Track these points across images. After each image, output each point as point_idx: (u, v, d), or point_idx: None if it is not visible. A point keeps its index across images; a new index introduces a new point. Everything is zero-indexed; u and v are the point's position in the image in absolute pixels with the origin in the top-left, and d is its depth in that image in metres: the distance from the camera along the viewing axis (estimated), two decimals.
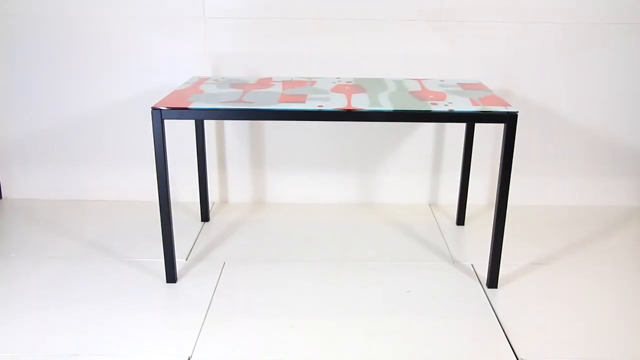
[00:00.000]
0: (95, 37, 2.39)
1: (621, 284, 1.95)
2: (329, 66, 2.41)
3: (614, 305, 1.83)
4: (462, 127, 2.50)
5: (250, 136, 2.53)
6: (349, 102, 1.83)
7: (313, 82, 2.14)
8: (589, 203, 2.61)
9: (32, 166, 2.58)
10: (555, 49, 2.39)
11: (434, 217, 2.49)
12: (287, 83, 2.12)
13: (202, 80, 2.16)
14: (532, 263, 2.09)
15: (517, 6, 2.33)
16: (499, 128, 2.51)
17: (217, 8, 2.34)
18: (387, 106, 1.78)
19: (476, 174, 2.57)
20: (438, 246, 2.22)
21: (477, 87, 2.11)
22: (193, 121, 2.47)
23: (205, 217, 2.41)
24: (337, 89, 2.04)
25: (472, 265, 2.08)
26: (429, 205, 2.61)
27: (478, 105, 1.81)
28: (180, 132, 2.52)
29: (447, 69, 2.42)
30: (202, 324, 1.71)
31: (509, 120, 1.74)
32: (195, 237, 2.28)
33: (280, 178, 2.59)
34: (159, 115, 1.75)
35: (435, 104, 1.82)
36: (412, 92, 1.99)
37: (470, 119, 1.76)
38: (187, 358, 1.56)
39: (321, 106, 1.77)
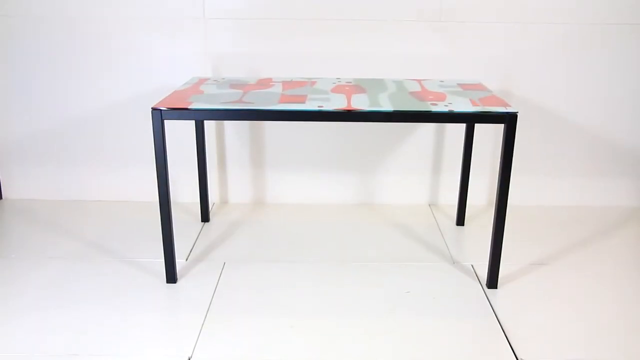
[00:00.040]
0: (95, 37, 2.39)
1: (621, 284, 1.95)
2: (329, 66, 2.41)
3: (613, 306, 1.83)
4: (462, 127, 2.50)
5: (250, 136, 2.53)
6: (349, 102, 1.83)
7: (313, 83, 2.14)
8: (589, 203, 2.61)
9: (32, 166, 2.58)
10: (555, 50, 2.39)
11: (434, 217, 2.49)
12: (287, 83, 2.12)
13: (202, 81, 2.16)
14: (532, 263, 2.09)
15: (517, 7, 2.33)
16: (499, 128, 2.51)
17: (217, 8, 2.34)
18: (387, 107, 1.78)
19: (476, 174, 2.57)
20: (438, 246, 2.22)
21: (477, 87, 2.11)
22: (193, 121, 2.47)
23: (205, 217, 2.41)
24: (337, 89, 2.04)
25: (472, 265, 2.08)
26: (429, 205, 2.62)
27: (478, 105, 1.81)
28: (180, 133, 2.52)
29: (447, 70, 2.42)
30: (202, 324, 1.71)
31: (509, 120, 1.74)
32: (195, 237, 2.28)
33: (280, 178, 2.59)
34: (159, 116, 1.75)
35: (435, 104, 1.82)
36: (412, 93, 1.99)
37: (470, 120, 1.76)
38: (187, 358, 1.56)
39: (321, 106, 1.78)
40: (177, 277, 1.98)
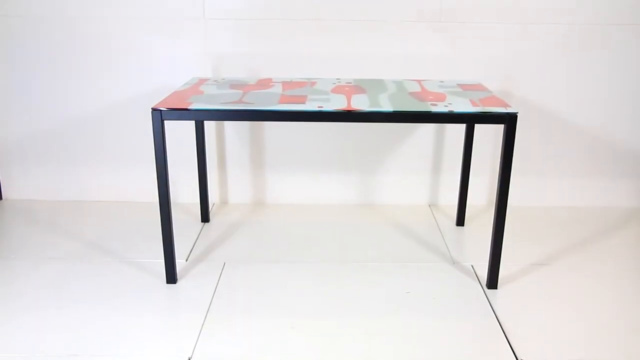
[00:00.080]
0: (95, 37, 2.39)
1: (621, 285, 1.95)
2: (328, 67, 2.42)
3: (613, 306, 1.83)
4: (462, 127, 2.50)
5: (250, 137, 2.53)
6: (348, 103, 1.83)
7: (313, 83, 2.14)
8: (589, 204, 2.61)
9: (32, 167, 2.58)
10: (555, 50, 2.39)
11: (434, 217, 2.49)
12: (287, 84, 2.12)
13: (202, 81, 2.16)
14: (532, 264, 2.09)
15: (517, 7, 2.33)
16: (499, 129, 2.51)
17: (217, 8, 2.34)
18: (387, 107, 1.78)
19: (476, 175, 2.57)
20: (438, 247, 2.22)
21: (476, 87, 2.11)
22: (193, 122, 2.47)
23: (205, 217, 2.41)
24: (337, 89, 2.04)
25: (472, 265, 2.08)
26: (429, 205, 2.62)
27: (478, 106, 1.81)
28: (180, 133, 2.52)
29: (447, 70, 2.42)
30: (202, 324, 1.71)
31: (509, 121, 1.75)
32: (195, 237, 2.28)
33: (280, 179, 2.59)
34: (159, 116, 1.75)
35: (435, 104, 1.82)
36: (412, 93, 1.99)
37: (470, 120, 1.76)
38: (187, 359, 1.56)
39: (321, 107, 1.78)
40: (177, 277, 1.98)
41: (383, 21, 2.35)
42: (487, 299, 1.87)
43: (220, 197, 2.62)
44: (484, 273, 2.02)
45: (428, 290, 1.91)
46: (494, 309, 1.81)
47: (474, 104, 1.84)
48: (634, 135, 2.51)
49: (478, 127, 2.50)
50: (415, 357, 1.58)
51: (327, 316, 1.76)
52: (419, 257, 2.14)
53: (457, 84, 2.16)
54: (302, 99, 1.87)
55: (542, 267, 2.07)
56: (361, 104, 1.82)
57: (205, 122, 2.44)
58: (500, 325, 1.72)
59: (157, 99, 2.47)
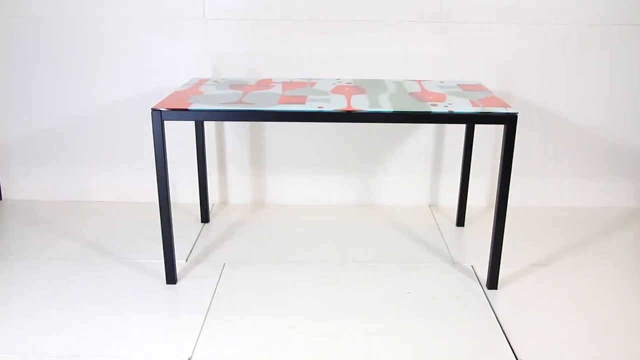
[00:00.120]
0: (95, 37, 2.39)
1: (621, 285, 1.95)
2: (328, 67, 2.41)
3: (614, 306, 1.83)
4: (462, 128, 2.50)
5: (250, 137, 2.53)
6: (348, 103, 1.83)
7: (313, 83, 2.14)
8: (589, 204, 2.61)
9: (32, 167, 2.58)
10: (555, 50, 2.39)
11: (434, 218, 2.49)
12: (287, 84, 2.12)
13: (202, 82, 2.16)
14: (532, 264, 2.09)
15: (517, 7, 2.33)
16: (499, 129, 2.51)
17: (217, 9, 2.34)
18: (387, 107, 1.78)
19: (476, 175, 2.57)
20: (438, 247, 2.22)
21: (476, 88, 2.11)
22: (193, 122, 2.47)
23: (205, 218, 2.41)
24: (337, 90, 2.04)
25: (472, 266, 2.08)
26: (429, 206, 2.61)
27: (478, 106, 1.81)
28: (180, 133, 2.52)
29: (447, 70, 2.42)
30: (202, 325, 1.71)
31: (509, 121, 1.74)
32: (195, 238, 2.28)
33: (280, 179, 2.59)
34: (159, 117, 1.75)
35: (435, 105, 1.82)
36: (412, 93, 1.99)
37: (470, 120, 1.76)
38: (187, 359, 1.56)
39: (321, 107, 1.77)
40: (177, 278, 1.97)
41: (383, 21, 2.35)
42: (487, 299, 1.87)
43: (220, 198, 2.62)
44: (484, 273, 2.02)
45: (428, 290, 1.91)
46: (494, 309, 1.81)
47: (474, 104, 1.84)
48: (634, 136, 2.51)
49: (478, 128, 2.50)
50: (415, 358, 1.58)
51: (327, 316, 1.76)
52: (419, 257, 2.14)
53: (457, 84, 2.16)
54: (302, 100, 1.87)
55: (542, 268, 2.07)
56: (361, 104, 1.82)
57: (205, 122, 2.44)
58: (500, 326, 1.72)
59: (157, 99, 2.47)
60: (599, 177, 2.57)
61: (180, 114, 1.76)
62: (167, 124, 2.50)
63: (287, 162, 2.56)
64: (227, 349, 1.61)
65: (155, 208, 2.54)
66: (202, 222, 2.42)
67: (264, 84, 2.13)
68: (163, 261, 2.07)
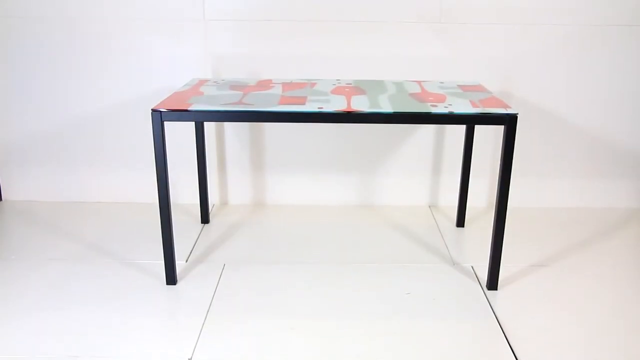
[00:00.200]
0: (95, 37, 2.39)
1: (621, 286, 1.95)
2: (328, 68, 2.41)
3: (614, 307, 1.83)
4: (462, 128, 2.50)
5: (250, 138, 2.53)
6: (348, 104, 1.83)
7: (313, 84, 2.14)
8: (589, 205, 2.61)
9: (32, 168, 2.58)
10: (555, 51, 2.39)
11: (434, 218, 2.49)
12: (287, 85, 2.12)
13: (202, 82, 2.16)
14: (532, 265, 2.09)
15: (517, 8, 2.33)
16: (499, 130, 2.51)
17: (217, 9, 2.34)
18: (387, 108, 1.78)
19: (476, 176, 2.57)
20: (438, 248, 2.22)
21: (476, 88, 2.11)
22: (193, 123, 2.47)
23: (205, 219, 2.41)
24: (337, 90, 2.04)
25: (472, 267, 2.08)
26: (429, 206, 2.61)
27: (478, 107, 1.81)
28: (180, 134, 2.52)
29: (447, 71, 2.42)
30: (202, 325, 1.71)
31: (509, 122, 1.74)
32: (195, 239, 2.28)
33: (280, 180, 2.59)
34: (159, 117, 1.75)
35: (435, 105, 1.82)
36: (412, 94, 1.99)
37: (470, 121, 1.76)
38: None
39: (321, 108, 1.77)
40: (177, 278, 1.97)
41: (383, 22, 2.35)
42: (487, 300, 1.87)
43: (220, 198, 2.62)
44: (484, 274, 2.02)
45: (428, 291, 1.91)
46: (494, 310, 1.81)
47: (474, 105, 1.84)
48: (634, 136, 2.51)
49: (478, 128, 2.50)
50: (415, 359, 1.58)
51: (327, 317, 1.76)
52: (419, 258, 2.14)
53: (457, 85, 2.16)
54: (302, 100, 1.87)
55: (542, 268, 2.07)
56: (361, 105, 1.82)
57: (205, 123, 2.44)
58: (501, 327, 1.72)
59: (157, 100, 2.47)
60: (599, 178, 2.57)
61: (181, 114, 1.76)
62: (167, 125, 2.50)
63: (287, 163, 2.56)
64: (227, 349, 1.61)
65: (155, 209, 2.54)
66: (202, 222, 2.42)
67: (264, 84, 2.13)
68: (163, 262, 2.07)
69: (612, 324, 1.74)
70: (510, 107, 1.80)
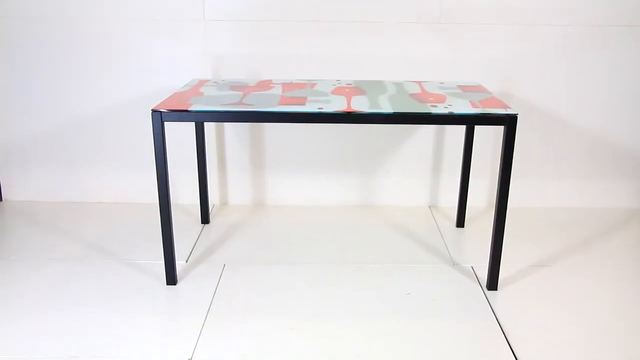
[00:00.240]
0: (95, 37, 2.39)
1: (621, 286, 1.95)
2: (328, 68, 2.42)
3: (614, 307, 1.83)
4: (462, 129, 2.50)
5: (250, 138, 2.53)
6: (348, 104, 1.83)
7: (313, 85, 2.14)
8: (589, 205, 2.61)
9: (32, 168, 2.58)
10: (555, 51, 2.39)
11: (434, 219, 2.49)
12: (287, 85, 2.12)
13: (202, 83, 2.16)
14: (532, 265, 2.09)
15: (517, 8, 2.33)
16: (499, 130, 2.51)
17: (217, 10, 2.34)
18: (387, 108, 1.78)
19: (476, 176, 2.57)
20: (438, 248, 2.22)
21: (476, 89, 2.11)
22: (193, 123, 2.47)
23: (205, 219, 2.41)
24: (337, 91, 2.04)
25: (472, 267, 2.08)
26: (429, 207, 2.62)
27: (478, 107, 1.81)
28: (180, 134, 2.52)
29: (447, 71, 2.42)
30: (202, 326, 1.71)
31: (509, 122, 1.75)
32: (195, 239, 2.28)
33: (280, 180, 2.59)
34: (159, 118, 1.75)
35: (435, 106, 1.82)
36: (412, 95, 1.99)
37: (470, 121, 1.76)
38: None
39: (321, 108, 1.78)
40: (177, 279, 1.98)
41: (383, 23, 2.35)
42: (487, 300, 1.87)
43: (220, 199, 2.62)
44: (484, 274, 2.02)
45: (428, 291, 1.91)
46: (494, 310, 1.81)
47: (474, 105, 1.84)
48: (634, 137, 2.51)
49: (478, 129, 2.50)
50: (415, 359, 1.58)
51: (327, 318, 1.76)
52: (419, 258, 2.14)
53: (457, 86, 2.16)
54: (302, 101, 1.88)
55: (542, 269, 2.07)
56: (361, 105, 1.82)
57: (205, 123, 2.44)
58: (501, 327, 1.72)
59: (157, 100, 2.47)
60: (599, 178, 2.57)
61: (181, 115, 1.76)
62: (168, 125, 2.50)
63: (287, 163, 2.56)
64: (227, 349, 1.61)
65: (155, 209, 2.54)
66: (202, 223, 2.42)
67: (264, 85, 2.13)
68: (163, 262, 2.07)
69: (612, 324, 1.74)
70: (510, 108, 1.80)
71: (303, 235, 2.32)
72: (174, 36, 2.38)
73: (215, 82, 2.16)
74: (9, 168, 2.58)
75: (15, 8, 2.35)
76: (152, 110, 1.75)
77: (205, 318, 1.75)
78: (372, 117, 1.76)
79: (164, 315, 1.76)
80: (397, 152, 2.54)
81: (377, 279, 1.99)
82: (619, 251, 2.20)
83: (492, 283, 1.92)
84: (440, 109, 1.78)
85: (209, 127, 2.52)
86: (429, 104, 1.84)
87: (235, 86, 2.09)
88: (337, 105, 1.82)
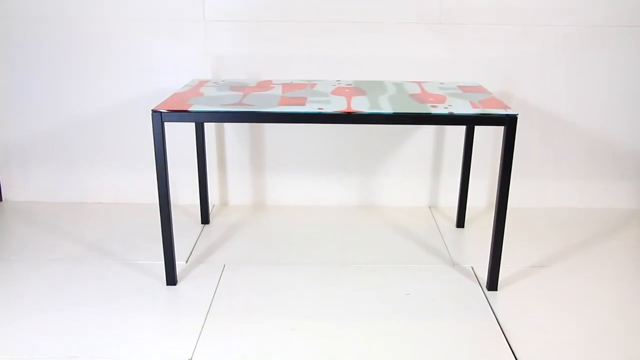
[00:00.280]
0: (95, 37, 2.39)
1: (621, 286, 1.95)
2: (328, 69, 2.42)
3: (614, 307, 1.83)
4: (461, 129, 2.50)
5: (250, 139, 2.53)
6: (348, 104, 1.83)
7: (313, 85, 2.14)
8: (589, 205, 2.62)
9: (32, 168, 2.58)
10: (555, 52, 2.39)
11: (434, 219, 2.49)
12: (287, 86, 2.12)
13: (202, 83, 2.16)
14: (532, 265, 2.09)
15: (517, 8, 2.33)
16: (499, 130, 2.51)
17: (217, 10, 2.34)
18: (387, 109, 1.78)
19: (476, 176, 2.57)
20: (438, 248, 2.22)
21: (476, 89, 2.11)
22: (193, 123, 2.47)
23: (205, 219, 2.41)
24: (337, 91, 2.04)
25: (472, 267, 2.08)
26: (429, 207, 2.62)
27: (478, 107, 1.82)
28: (180, 135, 2.52)
29: (447, 72, 2.42)
30: (202, 326, 1.71)
31: (509, 122, 1.75)
32: (195, 239, 2.28)
33: (280, 180, 2.59)
34: (159, 118, 1.75)
35: (435, 106, 1.82)
36: (412, 95, 1.99)
37: (470, 122, 1.76)
38: None
39: (321, 109, 1.78)
40: (177, 279, 1.97)
41: (383, 23, 2.35)
42: (487, 300, 1.87)
43: (220, 199, 2.62)
44: (484, 275, 2.02)
45: (428, 292, 1.91)
46: (494, 310, 1.81)
47: (474, 105, 1.84)
48: (634, 137, 2.51)
49: (478, 129, 2.50)
50: (415, 359, 1.58)
51: (327, 318, 1.76)
52: (419, 258, 2.14)
53: (457, 86, 2.16)
54: (302, 101, 1.88)
55: (542, 269, 2.07)
56: (361, 105, 1.82)
57: (205, 123, 2.44)
58: (501, 327, 1.72)
59: (157, 101, 2.47)
60: (599, 179, 2.57)
61: (181, 115, 1.76)
62: (168, 125, 2.50)
63: (287, 164, 2.56)
64: (227, 349, 1.61)
65: (155, 209, 2.54)
66: (202, 223, 2.42)
67: (264, 85, 2.13)
68: (163, 262, 2.07)
69: (612, 324, 1.74)
70: (510, 108, 1.80)
71: (303, 235, 2.32)
72: (174, 36, 2.38)
73: (215, 83, 2.16)
74: (9, 168, 2.58)
75: (15, 8, 2.35)
76: (152, 110, 1.75)
77: (205, 318, 1.75)
78: (372, 117, 1.76)
79: (164, 316, 1.76)
80: (397, 152, 2.54)
81: (377, 279, 1.99)
82: (619, 251, 2.20)
83: (492, 283, 1.92)
84: (440, 110, 1.78)
85: (209, 127, 2.52)
86: (429, 105, 1.84)
87: (235, 86, 2.09)
88: (337, 105, 1.82)
